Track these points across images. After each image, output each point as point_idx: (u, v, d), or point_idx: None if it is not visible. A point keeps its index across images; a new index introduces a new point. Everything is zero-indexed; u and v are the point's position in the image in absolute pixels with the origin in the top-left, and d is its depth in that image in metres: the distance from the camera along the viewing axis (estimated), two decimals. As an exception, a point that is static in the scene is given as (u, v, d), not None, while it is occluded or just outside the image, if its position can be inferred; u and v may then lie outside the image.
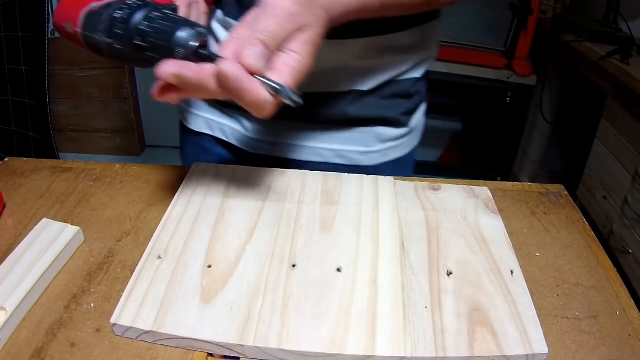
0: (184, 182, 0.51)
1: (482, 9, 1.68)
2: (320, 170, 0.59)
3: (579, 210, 0.54)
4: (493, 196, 0.52)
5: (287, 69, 0.38)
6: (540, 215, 0.52)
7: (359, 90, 0.59)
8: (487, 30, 1.71)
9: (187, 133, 0.71)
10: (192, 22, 0.40)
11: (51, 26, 1.99)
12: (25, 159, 0.57)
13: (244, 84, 0.36)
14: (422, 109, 0.68)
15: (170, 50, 0.39)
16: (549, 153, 1.99)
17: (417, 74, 0.63)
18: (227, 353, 0.36)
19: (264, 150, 0.63)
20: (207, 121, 0.67)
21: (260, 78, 0.37)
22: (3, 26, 1.53)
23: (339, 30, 0.46)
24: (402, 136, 0.65)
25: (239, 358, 0.36)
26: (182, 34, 0.38)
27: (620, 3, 1.59)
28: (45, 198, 0.51)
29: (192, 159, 0.74)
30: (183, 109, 0.70)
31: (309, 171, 0.54)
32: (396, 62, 0.60)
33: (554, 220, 0.52)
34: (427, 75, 0.66)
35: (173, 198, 0.49)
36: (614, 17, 1.60)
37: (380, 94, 0.60)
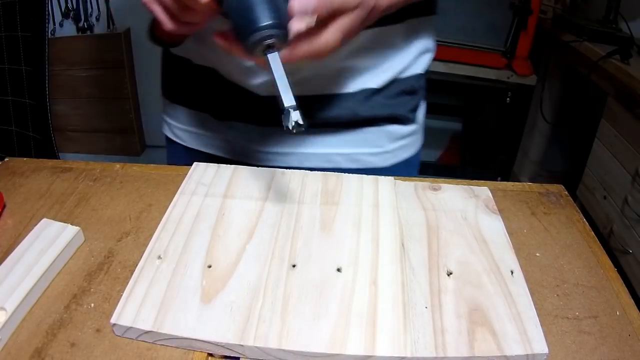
0: (184, 182, 0.51)
1: (482, 9, 1.68)
2: None
3: (579, 210, 0.54)
4: (493, 196, 0.52)
5: (304, 48, 0.38)
6: (540, 215, 0.52)
7: (368, 89, 0.59)
8: (487, 30, 1.71)
9: (176, 149, 0.69)
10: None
11: (51, 26, 1.99)
12: (25, 159, 0.57)
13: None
14: (423, 105, 0.69)
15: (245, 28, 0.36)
16: (549, 153, 1.99)
17: (419, 69, 0.64)
18: (227, 353, 0.36)
19: (270, 161, 0.62)
20: (200, 137, 0.66)
21: (281, 87, 0.35)
22: (3, 26, 1.53)
23: None
24: (411, 134, 0.65)
25: (239, 358, 0.36)
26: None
27: (620, 3, 1.59)
28: (45, 198, 0.51)
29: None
30: (172, 125, 0.69)
31: (309, 171, 0.54)
32: (396, 56, 0.60)
33: (554, 220, 0.52)
34: (427, 72, 0.67)
35: (173, 198, 0.49)
36: (614, 17, 1.60)
37: (387, 92, 0.61)
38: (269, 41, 0.36)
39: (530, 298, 0.40)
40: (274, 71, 0.36)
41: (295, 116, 0.36)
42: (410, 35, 0.61)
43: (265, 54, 0.36)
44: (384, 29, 0.58)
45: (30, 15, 1.50)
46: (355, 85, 0.59)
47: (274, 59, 0.36)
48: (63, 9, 2.01)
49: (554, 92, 1.85)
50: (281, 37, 0.36)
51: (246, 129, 0.62)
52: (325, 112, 0.58)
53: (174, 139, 0.69)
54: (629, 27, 1.53)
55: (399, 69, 0.61)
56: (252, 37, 0.35)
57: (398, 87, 0.62)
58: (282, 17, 0.36)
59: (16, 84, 1.57)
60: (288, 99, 0.35)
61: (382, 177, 0.53)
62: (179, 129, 0.68)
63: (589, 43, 1.54)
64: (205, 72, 0.61)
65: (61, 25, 2.03)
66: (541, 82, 1.80)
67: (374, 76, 0.60)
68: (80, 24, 2.03)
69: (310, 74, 0.53)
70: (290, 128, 0.36)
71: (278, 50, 0.37)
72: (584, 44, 1.55)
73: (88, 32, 2.05)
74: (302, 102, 0.57)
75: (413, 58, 0.63)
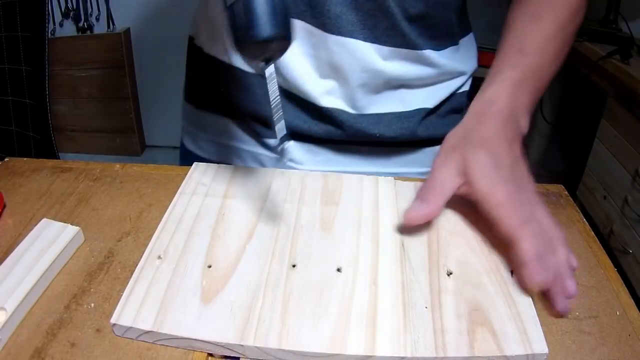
0: (184, 182, 0.51)
1: (482, 9, 1.68)
2: None
3: (579, 210, 0.54)
4: (493, 196, 0.52)
5: None
6: (540, 215, 0.52)
7: (424, 109, 0.58)
8: (487, 30, 1.71)
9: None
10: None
11: (51, 26, 1.99)
12: (25, 159, 0.57)
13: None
14: None
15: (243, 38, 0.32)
16: (549, 153, 1.99)
17: (467, 87, 0.63)
18: (227, 353, 0.36)
19: None
20: (235, 150, 0.62)
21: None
22: (3, 26, 1.53)
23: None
24: None
25: (239, 358, 0.36)
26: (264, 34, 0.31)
27: (620, 3, 1.59)
28: (45, 198, 0.51)
29: None
30: (196, 136, 0.65)
31: (309, 171, 0.54)
32: (457, 74, 0.60)
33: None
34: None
35: (173, 198, 0.49)
36: (614, 17, 1.60)
37: (440, 112, 0.60)
38: (270, 54, 0.33)
39: (530, 298, 0.40)
40: (269, 86, 0.32)
41: (289, 146, 0.34)
42: (469, 53, 0.61)
43: (266, 66, 0.33)
44: (452, 48, 0.58)
45: (30, 15, 1.50)
46: (413, 104, 0.58)
47: (272, 73, 0.33)
48: (63, 9, 2.01)
49: (554, 92, 1.85)
50: (284, 49, 0.33)
51: (295, 145, 0.59)
52: (386, 132, 0.57)
53: (197, 152, 0.65)
54: (629, 27, 1.53)
55: (454, 88, 0.60)
56: (261, 46, 0.32)
57: (448, 106, 0.61)
58: (289, 28, 0.33)
59: (16, 84, 1.57)
60: (282, 128, 0.32)
61: (382, 177, 0.53)
62: (208, 140, 0.64)
63: (589, 43, 1.54)
64: (253, 78, 0.58)
65: (61, 25, 2.03)
66: (541, 82, 1.80)
67: (431, 96, 0.59)
68: (80, 24, 2.04)
69: (370, 90, 0.52)
70: (285, 160, 0.33)
71: (274, 62, 0.33)
72: (584, 44, 1.55)
73: (88, 32, 2.05)
74: (363, 121, 0.55)
75: (468, 76, 0.62)
